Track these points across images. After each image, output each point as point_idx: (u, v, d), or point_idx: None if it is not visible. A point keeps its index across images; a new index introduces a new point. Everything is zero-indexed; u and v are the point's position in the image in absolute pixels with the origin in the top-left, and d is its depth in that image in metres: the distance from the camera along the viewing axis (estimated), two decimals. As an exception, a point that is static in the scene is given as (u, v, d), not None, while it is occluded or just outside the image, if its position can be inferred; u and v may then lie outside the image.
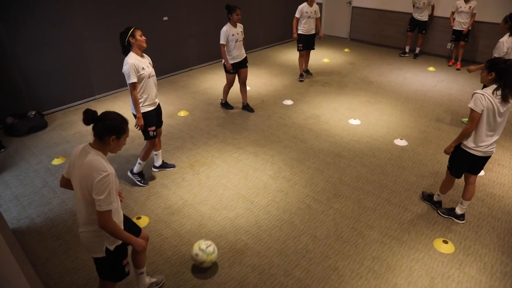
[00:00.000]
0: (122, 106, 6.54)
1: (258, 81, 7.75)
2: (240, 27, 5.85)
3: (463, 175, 3.82)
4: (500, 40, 5.11)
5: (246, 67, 6.12)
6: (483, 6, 8.00)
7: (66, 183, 2.54)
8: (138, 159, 4.46)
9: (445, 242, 3.63)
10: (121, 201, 2.57)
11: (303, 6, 7.19)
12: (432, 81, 7.84)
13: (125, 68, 3.91)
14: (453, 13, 8.23)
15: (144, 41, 3.98)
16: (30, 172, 4.82)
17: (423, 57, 9.39)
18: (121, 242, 2.53)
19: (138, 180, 4.51)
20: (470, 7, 7.86)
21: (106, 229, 2.32)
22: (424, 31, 9.07)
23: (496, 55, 5.10)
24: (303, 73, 7.94)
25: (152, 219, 3.97)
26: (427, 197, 4.22)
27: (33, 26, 5.79)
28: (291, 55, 9.49)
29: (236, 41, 5.78)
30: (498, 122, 3.37)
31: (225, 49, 5.78)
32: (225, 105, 6.50)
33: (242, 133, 5.66)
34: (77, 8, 6.21)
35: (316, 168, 4.83)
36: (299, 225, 3.88)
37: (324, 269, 3.38)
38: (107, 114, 2.34)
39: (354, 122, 6.01)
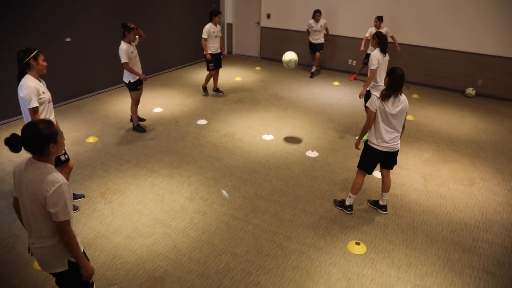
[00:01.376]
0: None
1: (170, 102, 7.64)
2: (134, 44, 5.86)
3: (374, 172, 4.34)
4: (372, 54, 5.57)
5: (142, 83, 6.13)
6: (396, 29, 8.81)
7: (18, 203, 2.38)
8: None
9: (358, 243, 3.85)
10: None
11: (210, 26, 7.33)
12: (337, 94, 8.39)
13: (25, 92, 3.60)
14: (366, 38, 8.35)
15: (45, 67, 3.72)
16: None
17: (328, 73, 10.03)
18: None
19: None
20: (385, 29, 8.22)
21: (65, 238, 2.26)
22: (321, 51, 9.44)
23: (371, 67, 5.54)
24: (214, 91, 8.21)
25: (60, 256, 3.64)
26: (339, 203, 4.46)
27: None
28: (204, 75, 9.51)
29: (136, 57, 5.84)
30: (393, 121, 3.84)
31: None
32: (138, 128, 6.29)
33: (156, 156, 5.50)
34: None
35: (233, 185, 4.85)
36: (219, 244, 3.84)
37: (247, 285, 3.36)
38: (29, 129, 2.17)
39: (268, 137, 6.18)
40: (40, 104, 3.72)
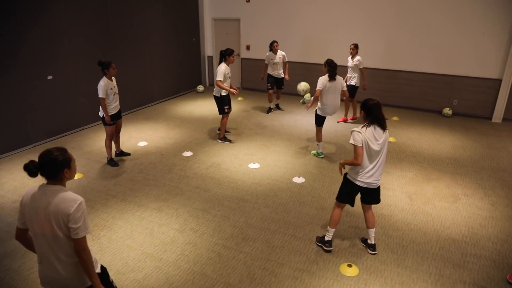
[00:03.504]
0: (2, 175, 5.89)
1: (155, 135, 7.65)
2: (114, 80, 6.04)
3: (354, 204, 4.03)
4: (320, 78, 6.12)
5: (121, 117, 6.39)
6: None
7: (23, 234, 2.49)
8: None
9: (350, 265, 3.86)
10: None
11: (225, 67, 6.72)
12: (319, 120, 8.55)
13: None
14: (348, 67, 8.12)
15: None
16: None
17: (308, 100, 10.24)
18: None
19: None
20: (352, 62, 7.89)
21: (83, 255, 2.35)
22: (282, 87, 9.02)
23: (317, 88, 6.10)
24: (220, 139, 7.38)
25: (48, 297, 3.54)
26: (320, 240, 4.22)
27: None
28: (187, 107, 9.63)
29: (114, 94, 6.00)
30: (378, 156, 3.67)
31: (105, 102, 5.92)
32: (111, 161, 6.31)
33: (143, 190, 5.47)
34: None
35: (222, 215, 4.84)
36: (212, 274, 3.80)
37: (241, 315, 3.32)
38: (46, 155, 2.33)
39: (254, 166, 6.22)
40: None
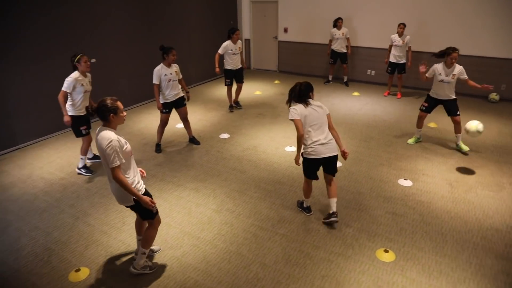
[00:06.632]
0: (51, 154, 6.21)
1: (193, 117, 7.78)
2: (175, 67, 5.90)
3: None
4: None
5: (184, 105, 6.12)
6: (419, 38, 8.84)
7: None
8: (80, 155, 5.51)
9: (386, 251, 3.82)
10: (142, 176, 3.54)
11: (228, 43, 7.56)
12: (357, 104, 8.40)
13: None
14: (390, 46, 8.55)
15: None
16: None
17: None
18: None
19: (84, 173, 5.54)
20: (403, 41, 8.28)
21: (116, 181, 3.08)
22: (347, 61, 9.64)
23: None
24: (233, 104, 8.30)
25: (93, 269, 3.74)
26: (300, 205, 4.64)
27: None
28: (224, 90, 9.69)
29: (169, 80, 5.81)
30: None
31: (159, 89, 5.85)
32: (157, 147, 6.29)
33: (181, 170, 5.61)
34: (-4, 57, 5.94)
35: (258, 197, 4.90)
36: (248, 254, 3.88)
37: (276, 295, 3.38)
38: (101, 102, 3.13)
39: (290, 149, 6.22)
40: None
